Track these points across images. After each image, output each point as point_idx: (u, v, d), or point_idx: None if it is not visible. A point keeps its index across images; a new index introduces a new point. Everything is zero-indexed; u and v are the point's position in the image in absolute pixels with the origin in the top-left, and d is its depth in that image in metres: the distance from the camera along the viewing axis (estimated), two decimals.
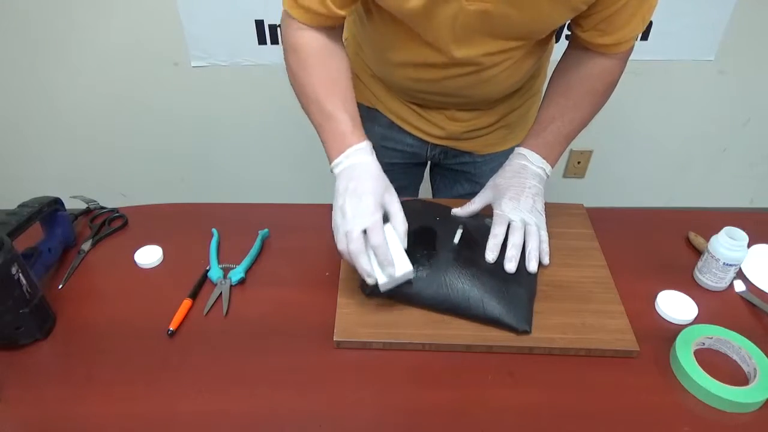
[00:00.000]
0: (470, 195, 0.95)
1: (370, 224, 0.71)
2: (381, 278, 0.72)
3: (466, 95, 0.93)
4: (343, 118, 0.79)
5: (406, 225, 0.74)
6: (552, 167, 0.89)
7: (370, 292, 0.79)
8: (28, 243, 0.84)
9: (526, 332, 0.76)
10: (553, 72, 0.93)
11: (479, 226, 0.87)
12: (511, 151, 0.92)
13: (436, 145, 1.08)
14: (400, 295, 0.78)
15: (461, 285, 0.78)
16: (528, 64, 0.91)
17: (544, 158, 0.88)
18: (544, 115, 0.90)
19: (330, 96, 0.80)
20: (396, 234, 0.74)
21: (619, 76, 0.89)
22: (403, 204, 0.88)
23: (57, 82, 1.90)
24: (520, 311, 0.77)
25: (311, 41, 0.83)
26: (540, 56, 0.92)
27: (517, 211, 0.84)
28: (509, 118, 1.06)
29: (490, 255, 0.81)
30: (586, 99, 0.89)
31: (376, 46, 0.93)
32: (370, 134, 1.08)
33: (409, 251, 0.77)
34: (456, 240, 0.84)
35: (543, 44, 0.90)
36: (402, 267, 0.73)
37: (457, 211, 0.90)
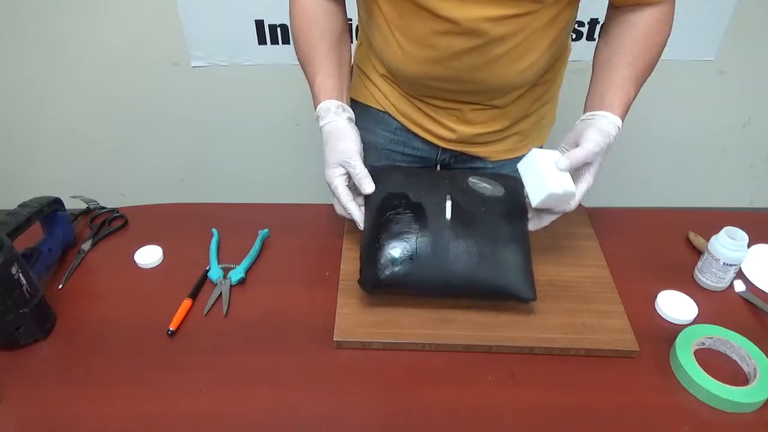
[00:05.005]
0: None
1: (333, 189, 0.83)
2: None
3: (476, 80, 0.89)
4: (315, 79, 0.87)
5: (370, 184, 0.82)
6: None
7: (373, 286, 0.78)
8: (28, 243, 0.84)
9: (533, 300, 0.77)
10: (600, 37, 0.88)
11: (465, 189, 0.84)
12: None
13: (446, 150, 1.06)
14: (403, 286, 0.77)
15: (464, 265, 0.77)
16: (539, 48, 0.87)
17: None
18: (615, 80, 0.83)
19: (312, 58, 0.88)
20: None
21: (672, 21, 0.85)
22: (382, 176, 0.85)
23: (57, 82, 1.90)
24: (525, 279, 0.78)
25: (307, 4, 0.88)
26: (552, 42, 0.88)
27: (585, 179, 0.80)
28: (522, 125, 1.03)
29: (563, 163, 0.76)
30: (652, 59, 0.85)
31: (381, 28, 0.90)
32: (379, 138, 1.07)
33: (405, 234, 0.79)
34: (448, 215, 0.80)
35: (554, 25, 0.85)
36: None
37: (562, 163, 0.77)
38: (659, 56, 0.86)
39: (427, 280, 0.77)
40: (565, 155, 0.77)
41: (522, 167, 0.80)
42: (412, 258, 0.77)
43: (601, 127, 0.79)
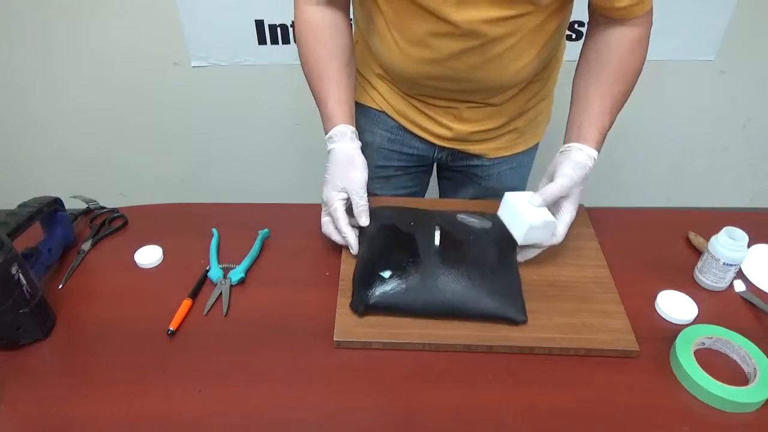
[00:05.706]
0: (474, 199, 0.93)
1: (331, 210, 0.86)
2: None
3: (474, 79, 0.90)
4: (328, 101, 0.88)
5: (366, 215, 0.86)
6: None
7: (364, 309, 0.78)
8: (28, 243, 0.84)
9: (524, 322, 0.77)
10: (579, 63, 0.90)
11: (454, 222, 0.88)
12: (521, 154, 0.90)
13: (443, 148, 1.07)
14: (393, 309, 0.78)
15: (453, 287, 0.78)
16: (535, 47, 0.88)
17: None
18: (591, 112, 0.86)
19: (321, 78, 0.89)
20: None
21: (648, 44, 0.87)
22: (375, 212, 0.88)
23: (57, 82, 1.90)
24: (515, 302, 0.78)
25: (312, 18, 0.89)
26: (547, 40, 0.89)
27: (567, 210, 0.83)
28: (518, 122, 1.04)
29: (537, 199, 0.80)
30: (627, 86, 0.87)
31: (380, 28, 0.91)
32: (376, 137, 1.07)
33: (395, 260, 0.81)
34: (437, 242, 0.84)
35: (550, 24, 0.87)
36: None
37: (536, 200, 0.80)
38: (635, 81, 0.89)
39: (416, 305, 0.78)
40: (538, 192, 0.81)
41: (501, 212, 0.84)
42: (401, 283, 0.79)
43: (577, 159, 0.83)
